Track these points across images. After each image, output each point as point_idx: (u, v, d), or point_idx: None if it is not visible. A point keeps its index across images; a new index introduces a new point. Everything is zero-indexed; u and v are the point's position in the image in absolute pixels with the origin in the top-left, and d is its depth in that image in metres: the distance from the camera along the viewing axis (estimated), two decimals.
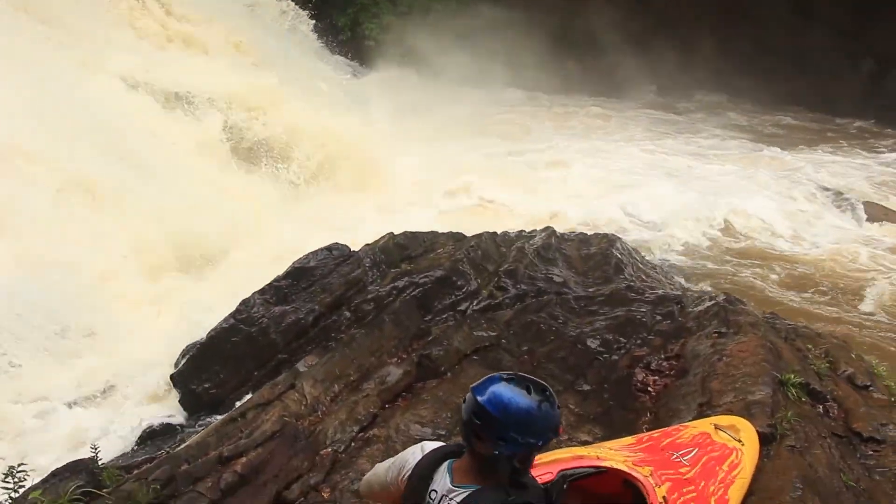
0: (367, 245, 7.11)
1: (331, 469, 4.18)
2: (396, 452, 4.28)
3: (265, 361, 5.92)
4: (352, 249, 6.71)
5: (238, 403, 5.28)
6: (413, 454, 2.50)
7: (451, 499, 2.27)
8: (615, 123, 20.73)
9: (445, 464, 2.38)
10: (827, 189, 15.44)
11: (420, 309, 6.26)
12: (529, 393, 2.22)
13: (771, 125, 21.83)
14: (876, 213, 14.54)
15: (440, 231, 8.00)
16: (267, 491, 3.83)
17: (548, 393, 2.25)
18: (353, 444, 4.46)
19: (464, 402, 2.27)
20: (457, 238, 7.87)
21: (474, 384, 2.28)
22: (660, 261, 10.89)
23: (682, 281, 9.98)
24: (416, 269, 6.81)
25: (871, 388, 5.85)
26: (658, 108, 23.01)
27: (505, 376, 2.28)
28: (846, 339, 7.45)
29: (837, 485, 4.08)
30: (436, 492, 2.33)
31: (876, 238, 13.35)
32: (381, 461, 4.14)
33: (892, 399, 5.86)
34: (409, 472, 2.43)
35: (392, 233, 7.44)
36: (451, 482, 2.30)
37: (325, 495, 3.94)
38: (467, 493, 2.24)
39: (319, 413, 4.73)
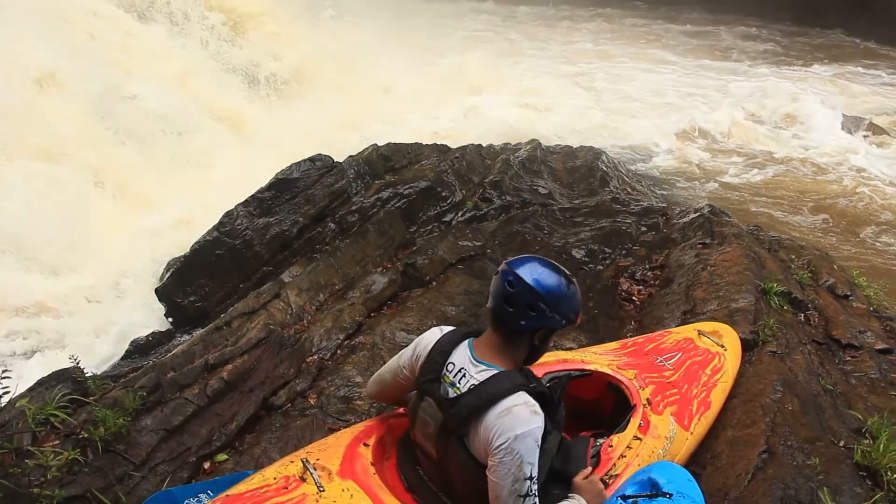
0: (351, 157, 7.01)
1: (317, 376, 4.19)
2: (382, 359, 4.35)
3: (250, 274, 5.87)
4: (335, 160, 6.61)
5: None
6: (431, 333, 2.61)
7: (472, 375, 2.37)
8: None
9: (465, 341, 2.48)
10: (813, 102, 15.37)
11: (405, 220, 6.22)
12: (560, 274, 2.41)
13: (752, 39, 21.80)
14: (860, 126, 14.56)
15: (425, 143, 7.91)
16: (254, 397, 3.84)
17: (574, 279, 2.44)
18: (338, 351, 4.48)
19: (496, 274, 2.42)
20: (441, 150, 7.80)
21: (509, 259, 2.43)
22: (645, 174, 10.85)
23: (667, 193, 9.97)
24: (400, 180, 6.74)
25: (850, 298, 5.92)
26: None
27: (538, 257, 2.47)
28: (829, 251, 7.50)
29: (816, 388, 4.15)
30: (453, 364, 2.43)
31: (860, 151, 13.33)
32: (366, 368, 4.21)
33: (871, 308, 5.94)
34: (429, 348, 2.53)
35: (376, 144, 7.34)
36: (472, 356, 2.41)
37: (312, 401, 3.97)
38: (490, 374, 2.34)
39: (305, 322, 4.73)
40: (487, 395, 2.29)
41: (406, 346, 4.30)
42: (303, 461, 2.55)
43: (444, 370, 2.44)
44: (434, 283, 5.27)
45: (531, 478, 2.26)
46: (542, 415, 2.30)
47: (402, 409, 3.07)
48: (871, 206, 10.93)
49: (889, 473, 3.31)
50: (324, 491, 2.42)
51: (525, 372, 2.44)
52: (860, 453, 3.42)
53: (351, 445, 2.71)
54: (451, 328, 2.61)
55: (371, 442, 2.77)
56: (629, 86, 16.60)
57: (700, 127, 13.44)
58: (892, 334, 5.51)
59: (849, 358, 4.89)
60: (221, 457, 3.55)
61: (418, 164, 7.28)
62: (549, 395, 2.44)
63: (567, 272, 2.46)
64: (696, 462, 3.44)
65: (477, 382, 2.34)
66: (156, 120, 9.52)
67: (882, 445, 3.44)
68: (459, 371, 2.41)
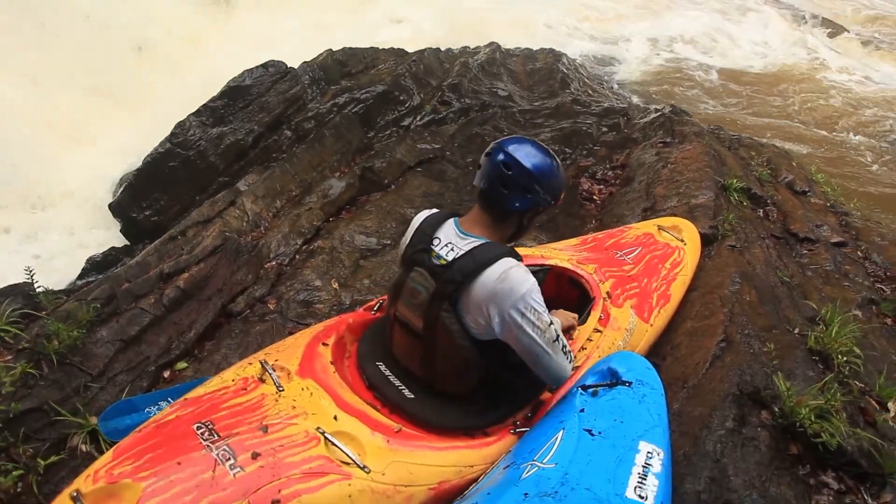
0: (306, 62, 6.80)
1: (276, 281, 4.15)
2: (342, 263, 4.32)
3: (206, 185, 5.74)
4: (289, 66, 6.41)
5: None
6: (418, 216, 2.60)
7: (460, 247, 2.38)
8: None
9: (451, 219, 2.50)
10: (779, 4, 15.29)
11: (362, 125, 6.10)
12: (548, 154, 2.45)
13: None
14: (825, 26, 14.55)
15: (381, 47, 7.70)
16: (212, 305, 3.79)
17: (557, 158, 2.50)
18: (297, 256, 4.42)
19: (486, 155, 2.41)
20: (398, 54, 7.60)
21: (502, 139, 2.43)
22: (606, 76, 10.73)
23: (629, 95, 9.88)
24: (356, 85, 6.57)
25: (808, 194, 5.99)
26: None
27: (527, 138, 2.49)
28: (788, 149, 7.54)
29: (773, 280, 4.20)
30: (439, 239, 2.45)
31: (819, 48, 13.32)
32: (325, 272, 4.18)
33: (828, 203, 6.02)
34: (416, 225, 2.54)
35: (330, 49, 7.12)
36: (459, 230, 2.43)
37: (271, 306, 3.93)
38: (478, 244, 2.35)
39: (262, 228, 4.65)
40: (481, 257, 2.31)
41: (366, 248, 4.31)
42: (261, 362, 2.52)
43: (432, 244, 2.45)
44: (393, 187, 5.21)
45: (551, 322, 2.37)
46: (531, 274, 2.36)
47: (361, 309, 3.06)
48: (830, 104, 10.98)
49: (839, 357, 3.39)
50: (283, 390, 2.40)
51: (515, 251, 2.45)
52: (813, 339, 3.49)
53: (310, 345, 2.69)
54: (436, 210, 2.61)
55: (330, 341, 2.75)
56: None
57: (666, 33, 13.26)
58: (847, 228, 5.60)
59: (805, 251, 4.96)
60: (181, 365, 3.52)
61: (375, 69, 7.09)
62: (534, 275, 2.45)
63: (552, 152, 2.49)
64: (657, 354, 3.48)
65: (466, 251, 2.36)
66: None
67: (834, 331, 3.51)
68: (447, 244, 2.42)
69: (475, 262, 2.31)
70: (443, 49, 8.29)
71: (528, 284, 2.29)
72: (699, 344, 3.41)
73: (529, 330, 2.31)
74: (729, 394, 3.02)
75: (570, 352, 2.51)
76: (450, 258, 2.37)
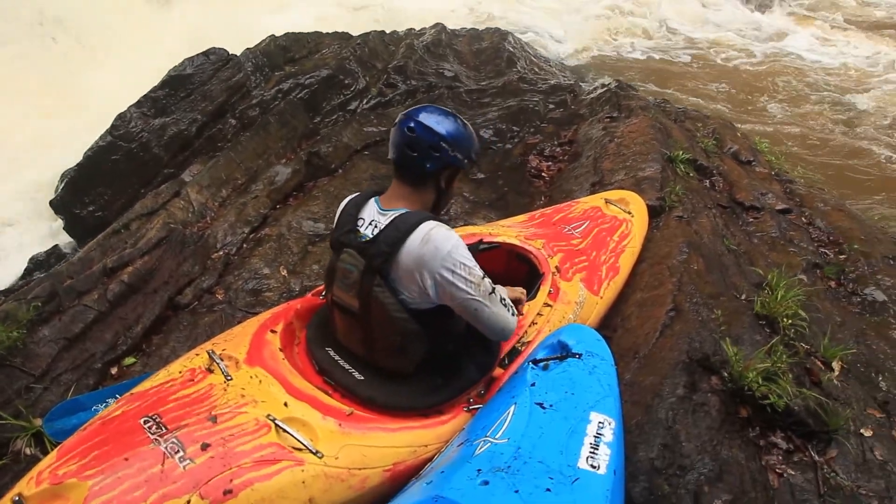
0: (248, 49, 6.68)
1: (223, 271, 4.09)
2: (290, 249, 4.27)
3: (151, 177, 5.62)
4: (231, 53, 6.30)
5: None
6: (341, 204, 2.60)
7: (381, 222, 2.39)
8: None
9: (372, 198, 2.50)
10: None
11: (307, 110, 6.02)
12: (454, 116, 2.48)
13: None
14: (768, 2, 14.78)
15: (325, 32, 7.61)
16: (158, 298, 3.72)
17: (467, 122, 2.52)
18: (244, 245, 4.36)
19: (393, 126, 2.44)
20: (343, 37, 7.52)
21: (405, 111, 2.46)
22: (553, 54, 10.75)
23: (575, 72, 9.92)
24: (301, 70, 6.49)
25: (753, 163, 6.08)
26: None
27: (431, 105, 2.54)
28: (733, 120, 7.63)
29: (720, 248, 4.26)
30: (363, 219, 2.45)
31: (762, 23, 13.51)
32: (273, 259, 4.13)
33: (773, 172, 6.12)
34: (341, 211, 2.55)
35: (273, 35, 7.01)
36: (380, 208, 2.44)
37: (220, 296, 3.87)
38: (397, 214, 2.36)
39: (208, 218, 4.57)
40: (402, 225, 2.32)
41: (314, 234, 4.27)
42: (208, 353, 2.48)
43: (357, 225, 2.45)
44: (340, 171, 5.16)
45: (484, 275, 2.39)
46: (454, 231, 2.38)
47: (309, 295, 3.02)
48: (772, 76, 11.15)
49: (785, 320, 3.46)
50: (231, 379, 2.37)
51: (437, 216, 2.47)
52: (760, 304, 3.55)
53: (258, 333, 2.66)
54: (359, 192, 2.61)
55: (278, 328, 2.73)
56: None
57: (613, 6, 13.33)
58: (792, 195, 5.70)
59: (751, 219, 5.04)
60: (129, 360, 3.45)
61: (319, 54, 7.00)
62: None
63: (458, 115, 2.52)
64: (608, 326, 3.51)
65: (387, 223, 2.37)
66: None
67: (779, 296, 3.58)
68: (370, 223, 2.42)
69: (397, 231, 2.32)
70: (388, 31, 8.22)
71: (451, 241, 2.30)
72: (649, 314, 3.44)
73: (462, 285, 2.32)
74: (679, 362, 3.06)
75: (510, 305, 2.51)
76: (374, 234, 2.38)
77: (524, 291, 2.87)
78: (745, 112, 9.76)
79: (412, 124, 2.37)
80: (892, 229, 6.40)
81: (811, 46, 12.75)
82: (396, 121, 2.44)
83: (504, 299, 2.48)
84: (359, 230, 2.43)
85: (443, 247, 2.28)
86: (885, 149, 9.33)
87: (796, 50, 12.53)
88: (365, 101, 6.40)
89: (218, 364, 2.42)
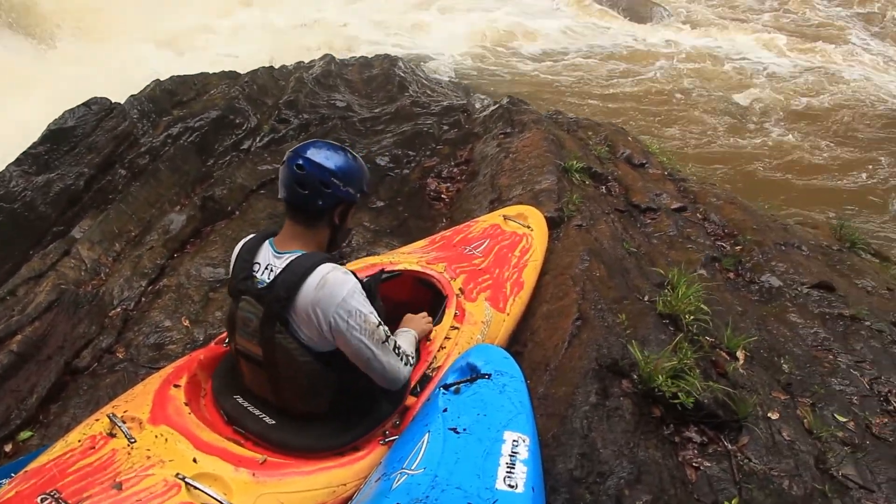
0: (133, 96, 6.50)
1: (123, 328, 3.94)
2: (190, 299, 4.16)
3: (39, 238, 5.34)
4: (114, 102, 6.11)
5: None
6: (238, 245, 2.55)
7: (276, 266, 2.35)
8: None
9: (266, 241, 2.45)
10: None
11: (199, 153, 5.88)
12: (342, 150, 2.46)
13: None
14: (648, 9, 15.34)
15: (211, 72, 7.48)
16: (53, 364, 3.54)
17: (356, 155, 2.53)
18: (143, 298, 4.22)
19: (282, 164, 2.41)
20: (230, 76, 7.40)
21: (293, 148, 2.43)
22: (444, 76, 10.87)
23: (467, 91, 10.05)
24: (189, 113, 6.33)
25: (646, 165, 6.26)
26: None
27: (317, 140, 2.51)
28: (624, 125, 7.86)
29: (620, 252, 4.36)
30: (259, 264, 2.41)
31: (652, 35, 14.04)
32: (174, 310, 4.01)
33: (666, 172, 6.32)
34: (235, 256, 2.50)
35: (158, 79, 6.85)
36: (274, 251, 2.39)
37: (120, 355, 3.73)
38: (292, 258, 2.33)
39: (102, 275, 4.40)
40: (298, 269, 2.29)
41: (215, 280, 4.17)
42: (109, 416, 2.37)
43: (252, 271, 2.40)
44: (237, 213, 5.06)
45: (379, 323, 2.37)
46: (352, 274, 2.36)
47: (213, 343, 2.95)
48: (659, 81, 11.56)
49: (687, 317, 3.55)
50: (135, 442, 2.27)
51: (333, 256, 2.45)
52: (662, 304, 3.64)
53: (161, 390, 2.55)
54: (254, 234, 2.57)
55: (182, 382, 2.62)
56: None
57: (487, 27, 13.60)
58: (686, 193, 5.90)
59: (649, 220, 5.18)
60: (25, 434, 3.27)
61: (207, 95, 6.86)
62: (365, 285, 2.43)
63: (347, 148, 2.51)
64: (518, 341, 3.54)
65: (283, 267, 2.33)
66: None
67: (681, 293, 3.67)
68: (266, 267, 2.38)
69: (294, 276, 2.29)
70: (276, 67, 8.15)
71: (347, 286, 2.29)
72: (556, 325, 3.48)
73: (356, 333, 2.30)
74: (589, 369, 3.10)
75: (404, 353, 2.51)
76: (270, 280, 2.34)
77: (430, 319, 2.87)
78: (635, 117, 10.08)
79: (301, 161, 2.34)
80: (782, 216, 6.70)
81: (693, 51, 13.28)
82: (285, 159, 2.41)
83: (398, 348, 2.47)
84: (255, 276, 2.39)
85: (338, 292, 2.26)
86: (766, 140, 9.79)
87: (679, 54, 13.04)
88: (258, 139, 6.30)
89: (120, 427, 2.32)
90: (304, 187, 2.34)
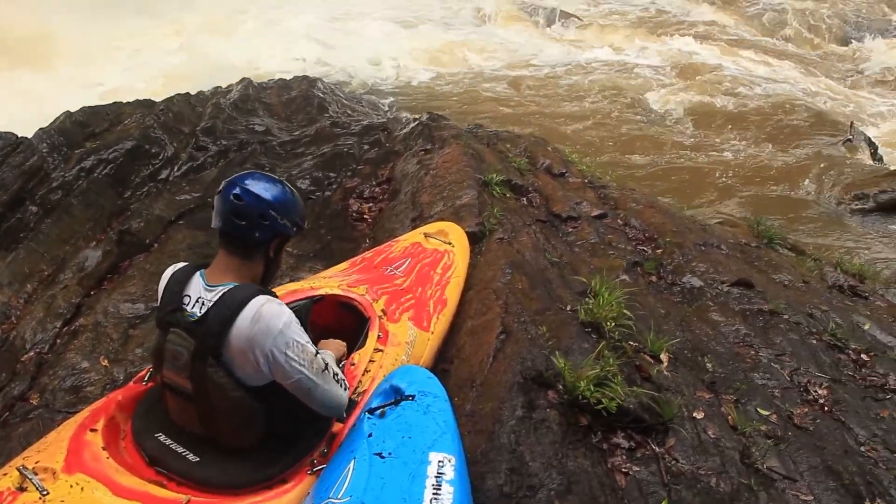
0: (42, 129, 6.31)
1: (37, 373, 3.79)
2: (109, 337, 4.04)
3: None
4: (20, 136, 5.91)
5: None
6: (165, 273, 2.50)
7: (208, 300, 2.30)
8: None
9: (197, 273, 2.40)
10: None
11: (115, 186, 5.72)
12: (280, 183, 2.47)
13: None
14: (562, 18, 15.68)
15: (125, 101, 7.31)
16: None
17: (292, 188, 2.53)
18: (58, 340, 4.07)
19: (218, 194, 2.38)
20: (145, 105, 7.25)
21: (230, 178, 2.41)
22: (365, 95, 10.88)
23: (388, 109, 10.08)
24: (103, 145, 6.16)
25: (566, 175, 6.35)
26: None
27: (254, 171, 2.56)
28: (544, 135, 7.96)
29: (543, 263, 4.40)
30: (189, 297, 2.35)
31: (554, 40, 14.30)
32: (92, 350, 3.89)
33: (586, 180, 6.42)
34: (164, 286, 2.44)
35: (69, 111, 6.66)
36: (205, 283, 2.34)
37: (35, 401, 3.57)
38: (225, 290, 2.28)
39: (13, 318, 4.23)
40: (232, 303, 2.25)
41: (134, 316, 4.06)
42: (19, 469, 2.27)
43: (182, 304, 2.35)
44: (156, 245, 4.94)
45: (317, 352, 2.36)
46: (286, 305, 2.34)
47: (131, 383, 2.86)
48: (575, 89, 11.77)
49: (609, 323, 3.60)
50: (48, 494, 2.17)
51: (266, 289, 2.41)
52: (584, 312, 3.68)
53: (76, 436, 2.46)
54: (184, 264, 2.51)
55: (100, 426, 2.53)
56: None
57: (408, 42, 13.67)
58: (606, 200, 6.00)
59: (570, 229, 5.25)
60: None
61: (121, 125, 6.69)
62: (297, 313, 2.41)
63: (285, 181, 2.51)
64: (445, 359, 3.53)
65: (216, 300, 2.29)
66: None
67: (603, 300, 3.72)
68: (196, 301, 2.33)
69: (227, 309, 2.25)
70: (193, 93, 8.01)
71: (283, 318, 2.27)
72: (481, 340, 3.49)
73: (296, 365, 2.28)
74: (514, 383, 3.11)
75: (343, 380, 2.50)
76: (202, 313, 2.29)
77: (344, 344, 2.86)
78: (556, 126, 10.25)
79: (238, 191, 2.31)
80: (700, 217, 6.88)
81: (610, 59, 13.59)
82: (220, 188, 2.37)
83: (337, 374, 2.46)
84: (185, 309, 2.33)
85: (274, 325, 2.24)
86: (684, 141, 10.06)
87: (597, 63, 13.34)
88: (175, 168, 6.17)
89: (31, 479, 2.22)
90: (241, 218, 2.32)
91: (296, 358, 2.27)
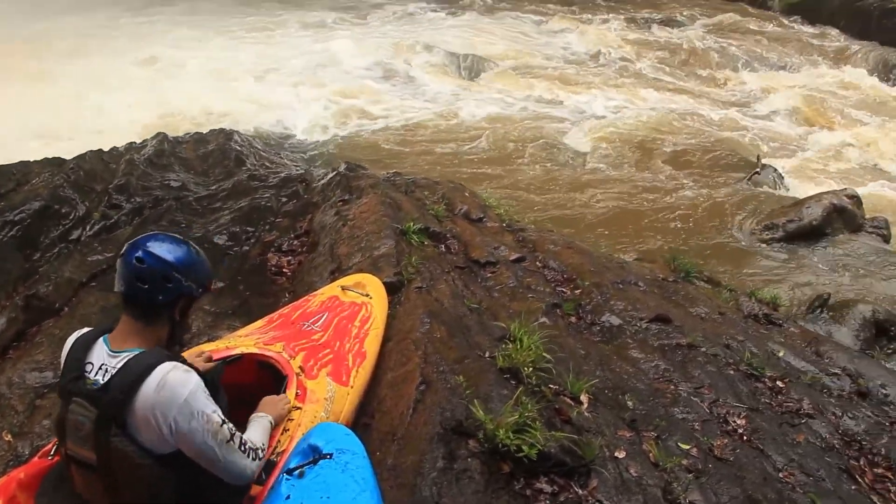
0: None
1: None
2: (13, 409, 3.88)
3: None
4: None
5: None
6: (68, 340, 2.42)
7: (111, 367, 2.24)
8: None
9: (100, 339, 2.34)
10: (435, 50, 16.55)
11: (22, 248, 5.54)
12: (184, 243, 2.45)
13: None
14: (480, 66, 16.03)
15: (32, 160, 7.12)
16: None
17: (198, 248, 2.51)
18: None
19: (120, 257, 2.34)
20: (55, 163, 7.07)
21: (132, 240, 2.38)
22: (283, 146, 10.87)
23: (307, 159, 10.09)
24: (9, 205, 5.96)
25: (484, 219, 6.44)
26: None
27: (157, 232, 2.51)
28: (462, 181, 8.05)
29: (461, 310, 4.42)
30: (92, 364, 2.28)
31: (468, 92, 14.60)
32: None
33: (504, 224, 6.51)
34: (66, 354, 2.36)
35: None
36: (109, 350, 2.28)
37: None
38: (130, 356, 2.23)
39: None
40: (136, 369, 2.20)
41: (42, 385, 3.91)
42: None
43: (84, 372, 2.27)
44: (66, 309, 4.77)
45: (223, 422, 2.30)
46: (193, 372, 2.29)
47: (36, 458, 2.75)
48: (492, 134, 11.99)
49: (527, 368, 3.63)
50: None
51: (174, 353, 2.37)
52: (502, 358, 3.71)
53: None
54: (87, 329, 2.45)
55: None
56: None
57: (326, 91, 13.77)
58: (524, 243, 6.09)
59: (489, 274, 5.30)
60: None
61: (29, 185, 6.50)
62: (207, 379, 2.37)
63: (189, 241, 2.48)
64: (366, 413, 3.50)
65: (120, 368, 2.23)
66: None
67: (521, 344, 3.77)
68: (100, 368, 2.27)
69: (131, 376, 2.19)
70: (106, 149, 7.84)
71: (189, 387, 2.22)
72: (401, 392, 3.48)
73: (199, 435, 2.24)
74: (434, 434, 3.11)
75: (251, 448, 2.44)
76: (105, 380, 2.23)
77: (287, 398, 2.84)
78: (473, 171, 10.40)
79: (140, 254, 2.29)
80: (618, 255, 7.05)
81: (526, 103, 13.93)
82: (123, 251, 2.34)
83: (244, 444, 2.40)
84: (87, 377, 2.26)
85: (179, 394, 2.19)
86: (596, 181, 10.33)
87: (513, 107, 13.65)
88: (87, 228, 6.00)
89: None
90: (143, 281, 2.29)
91: (199, 429, 2.23)
